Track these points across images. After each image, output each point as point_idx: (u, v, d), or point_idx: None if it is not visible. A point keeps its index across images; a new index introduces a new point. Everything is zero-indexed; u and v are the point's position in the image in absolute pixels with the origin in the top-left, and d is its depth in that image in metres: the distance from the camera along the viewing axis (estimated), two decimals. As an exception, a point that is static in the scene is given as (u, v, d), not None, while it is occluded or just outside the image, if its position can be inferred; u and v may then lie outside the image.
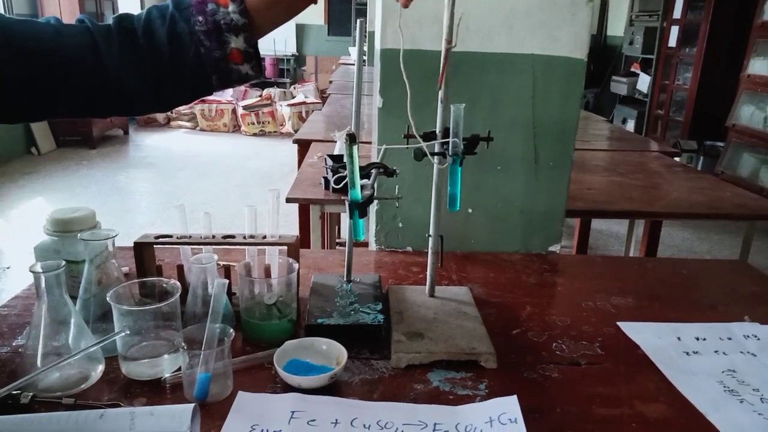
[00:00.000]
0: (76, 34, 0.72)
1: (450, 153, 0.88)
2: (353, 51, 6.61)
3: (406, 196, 1.24)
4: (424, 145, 0.87)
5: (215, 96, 7.19)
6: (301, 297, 0.97)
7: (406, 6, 0.75)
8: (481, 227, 1.29)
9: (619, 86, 6.97)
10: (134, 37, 0.73)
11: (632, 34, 6.70)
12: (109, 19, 0.75)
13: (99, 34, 0.73)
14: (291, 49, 9.25)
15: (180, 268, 0.95)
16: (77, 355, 0.74)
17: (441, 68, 0.86)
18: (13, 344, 0.86)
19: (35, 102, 0.73)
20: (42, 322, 0.75)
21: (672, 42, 5.82)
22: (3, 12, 5.32)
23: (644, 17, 6.59)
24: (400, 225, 1.28)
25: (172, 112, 7.33)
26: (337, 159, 1.91)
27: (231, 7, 0.72)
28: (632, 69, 6.85)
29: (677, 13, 5.72)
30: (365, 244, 1.35)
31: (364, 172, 0.89)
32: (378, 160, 0.95)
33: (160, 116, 7.41)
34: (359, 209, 0.84)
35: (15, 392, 0.70)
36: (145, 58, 0.73)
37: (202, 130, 7.33)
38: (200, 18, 0.72)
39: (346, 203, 0.85)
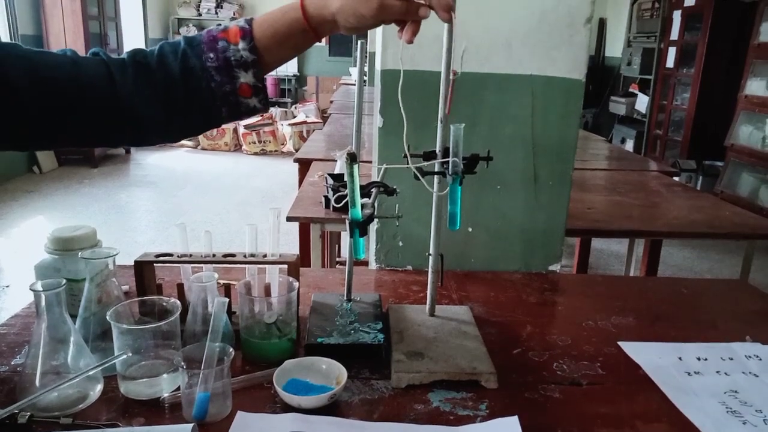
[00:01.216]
0: (92, 65, 0.75)
1: (450, 172, 0.89)
2: (354, 71, 6.68)
3: (407, 214, 1.25)
4: (414, 165, 0.88)
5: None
6: (301, 316, 0.96)
7: (410, 42, 0.77)
8: (481, 246, 1.29)
9: (618, 106, 7.02)
10: (148, 69, 0.76)
11: (630, 54, 6.77)
12: (124, 54, 0.78)
13: (114, 66, 0.76)
14: (292, 69, 9.33)
15: (180, 287, 0.95)
16: (77, 378, 0.74)
17: (449, 96, 0.87)
18: (12, 363, 0.86)
19: (52, 129, 0.75)
20: (41, 340, 0.74)
21: (670, 63, 5.88)
22: (8, 33, 5.38)
23: (642, 38, 6.67)
24: (401, 244, 1.28)
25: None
26: (337, 178, 1.92)
27: (241, 45, 0.75)
28: (630, 89, 6.91)
29: (674, 35, 5.79)
30: (365, 263, 1.35)
31: (365, 191, 0.90)
32: (378, 179, 0.95)
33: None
34: (359, 228, 0.85)
35: (13, 412, 0.70)
36: (159, 90, 0.76)
37: (203, 149, 7.37)
38: (211, 55, 0.76)
39: (347, 222, 0.85)
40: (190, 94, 0.77)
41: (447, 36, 0.87)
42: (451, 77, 0.87)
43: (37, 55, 0.73)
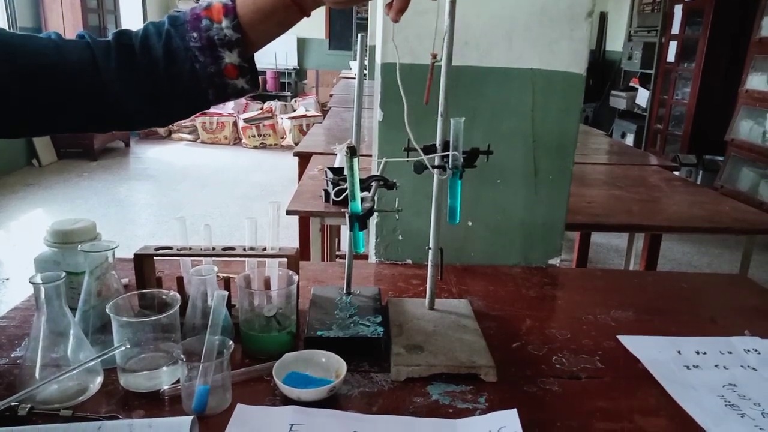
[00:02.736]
0: (76, 50, 0.73)
1: (450, 166, 0.89)
2: (354, 65, 6.65)
3: (406, 208, 1.25)
4: (414, 159, 0.88)
5: (216, 109, 7.23)
6: (301, 309, 0.96)
7: (395, 21, 0.75)
8: (480, 240, 1.29)
9: (618, 101, 7.01)
10: (132, 53, 0.74)
11: (631, 49, 6.76)
12: (110, 35, 0.76)
13: (98, 50, 0.73)
14: (292, 62, 9.30)
15: (180, 280, 0.95)
16: (77, 369, 0.74)
17: (428, 83, 0.86)
18: (12, 356, 0.86)
19: (36, 117, 0.74)
20: (41, 333, 0.74)
21: (671, 57, 5.87)
22: (7, 26, 5.36)
23: (643, 32, 6.65)
24: (400, 237, 1.28)
25: (173, 125, 7.35)
26: (337, 172, 1.91)
27: (224, 23, 0.72)
28: (631, 84, 6.90)
29: (675, 29, 5.77)
30: (365, 257, 1.35)
31: (365, 185, 0.89)
32: (378, 173, 0.95)
33: (161, 129, 7.44)
34: (359, 222, 0.85)
35: (13, 404, 0.70)
36: (143, 74, 0.74)
37: (203, 142, 7.36)
38: (194, 34, 0.73)
39: (347, 216, 0.85)
40: (174, 77, 0.74)
41: (448, 28, 0.87)
42: (429, 60, 0.85)
43: (20, 41, 0.71)
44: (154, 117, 0.80)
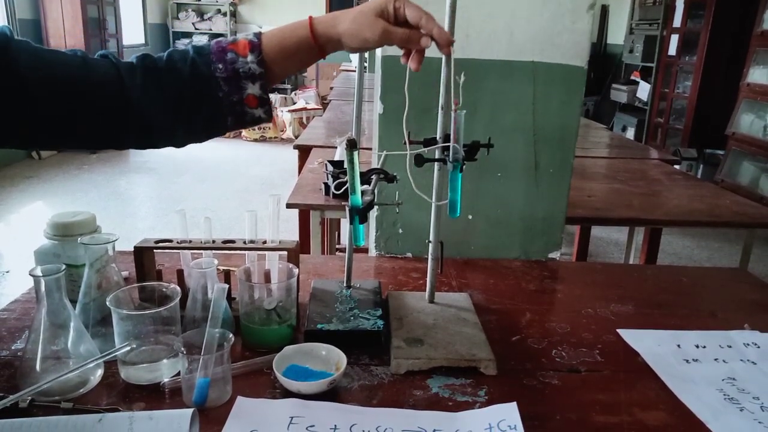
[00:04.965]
0: (102, 66, 0.76)
1: (450, 159, 0.88)
2: (354, 57, 6.62)
3: (407, 202, 1.24)
4: (413, 152, 0.87)
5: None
6: (301, 302, 0.96)
7: (417, 70, 0.81)
8: (481, 234, 1.29)
9: (619, 94, 6.99)
10: (158, 74, 0.78)
11: (632, 42, 6.72)
12: (133, 58, 0.79)
13: (123, 68, 0.77)
14: (292, 55, 9.26)
15: (180, 273, 0.95)
16: (82, 368, 0.74)
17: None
18: (12, 348, 0.86)
19: (59, 128, 0.76)
20: (41, 326, 0.75)
21: (672, 50, 5.84)
22: (6, 18, 5.34)
23: (644, 25, 6.62)
24: (400, 231, 1.28)
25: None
26: (337, 165, 1.91)
27: (250, 58, 0.78)
28: (632, 77, 6.87)
29: (677, 22, 5.74)
30: (365, 250, 1.35)
31: (365, 178, 0.89)
32: (378, 166, 0.95)
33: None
34: (360, 215, 0.85)
35: (13, 396, 0.70)
36: (168, 94, 0.78)
37: (202, 135, 7.34)
38: (220, 65, 0.78)
39: (347, 209, 0.85)
40: (197, 99, 0.79)
41: (449, 21, 0.86)
42: (452, 109, 0.86)
43: (48, 53, 0.74)
44: (171, 136, 0.83)
